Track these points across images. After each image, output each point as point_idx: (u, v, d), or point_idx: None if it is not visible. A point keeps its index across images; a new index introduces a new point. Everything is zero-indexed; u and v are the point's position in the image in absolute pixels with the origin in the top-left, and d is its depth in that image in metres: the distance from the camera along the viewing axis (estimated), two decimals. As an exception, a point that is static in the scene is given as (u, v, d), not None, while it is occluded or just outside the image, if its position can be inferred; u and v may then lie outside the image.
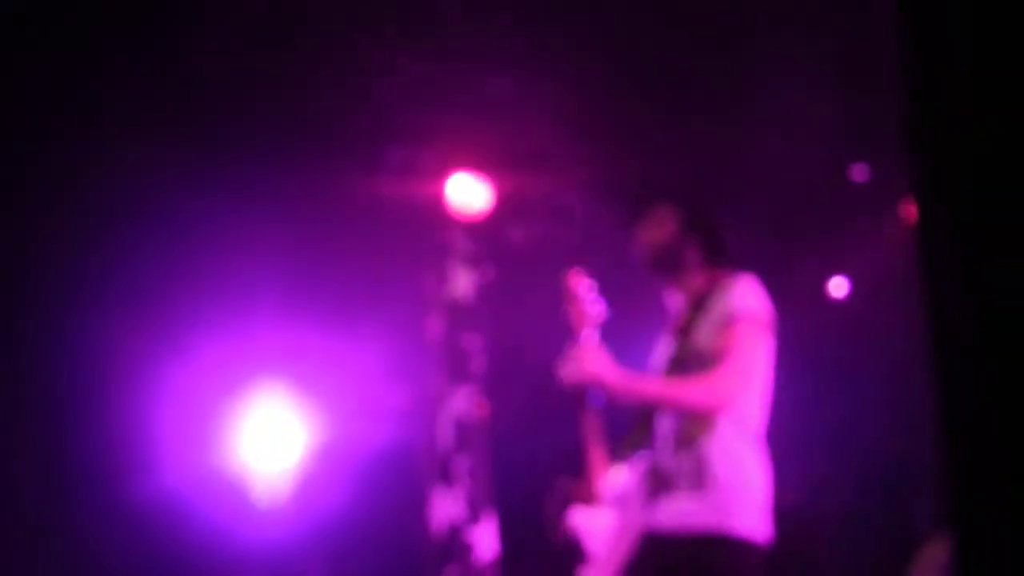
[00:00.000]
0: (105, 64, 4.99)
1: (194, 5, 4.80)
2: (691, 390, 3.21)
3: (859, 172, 5.23)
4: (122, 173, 5.31)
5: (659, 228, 3.40)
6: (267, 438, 6.03)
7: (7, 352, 5.68)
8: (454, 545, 4.87)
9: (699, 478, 3.17)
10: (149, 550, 5.72)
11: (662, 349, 3.41)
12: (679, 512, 3.18)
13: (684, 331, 3.31)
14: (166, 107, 5.22)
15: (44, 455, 5.82)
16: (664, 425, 3.27)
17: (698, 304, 3.32)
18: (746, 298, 3.26)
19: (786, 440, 3.57)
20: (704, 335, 3.24)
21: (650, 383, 3.30)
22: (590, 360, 3.17)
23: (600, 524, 3.31)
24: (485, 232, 4.87)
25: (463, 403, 4.83)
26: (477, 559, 4.83)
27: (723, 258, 3.38)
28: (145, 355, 5.71)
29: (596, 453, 3.29)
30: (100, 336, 5.50)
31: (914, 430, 5.28)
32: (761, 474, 3.27)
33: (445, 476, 4.91)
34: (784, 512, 3.51)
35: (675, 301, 3.42)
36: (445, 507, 4.91)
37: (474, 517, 4.84)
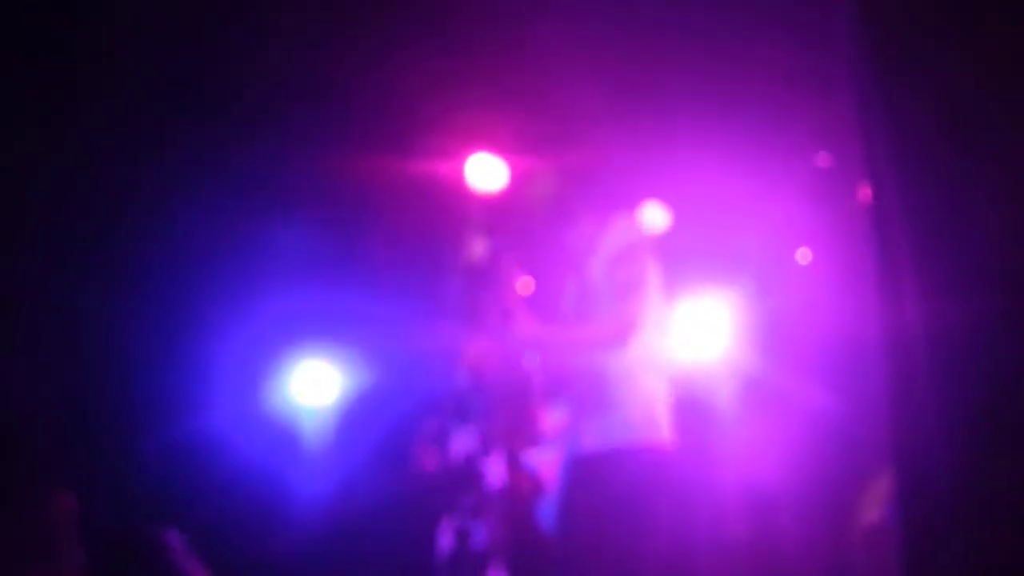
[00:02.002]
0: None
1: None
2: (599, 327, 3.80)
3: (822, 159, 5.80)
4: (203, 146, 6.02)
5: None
6: (311, 384, 6.76)
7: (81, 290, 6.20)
8: (469, 474, 5.53)
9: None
10: (196, 482, 6.33)
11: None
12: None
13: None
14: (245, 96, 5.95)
15: (106, 389, 6.35)
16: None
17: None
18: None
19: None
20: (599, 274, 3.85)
21: (563, 330, 3.88)
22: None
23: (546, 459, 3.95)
24: (498, 205, 5.58)
25: (478, 351, 5.51)
26: (487, 487, 5.49)
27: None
28: (210, 312, 6.41)
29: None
30: (169, 287, 6.21)
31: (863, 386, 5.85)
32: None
33: (462, 415, 5.58)
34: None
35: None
36: (461, 442, 5.58)
37: (485, 451, 5.50)
